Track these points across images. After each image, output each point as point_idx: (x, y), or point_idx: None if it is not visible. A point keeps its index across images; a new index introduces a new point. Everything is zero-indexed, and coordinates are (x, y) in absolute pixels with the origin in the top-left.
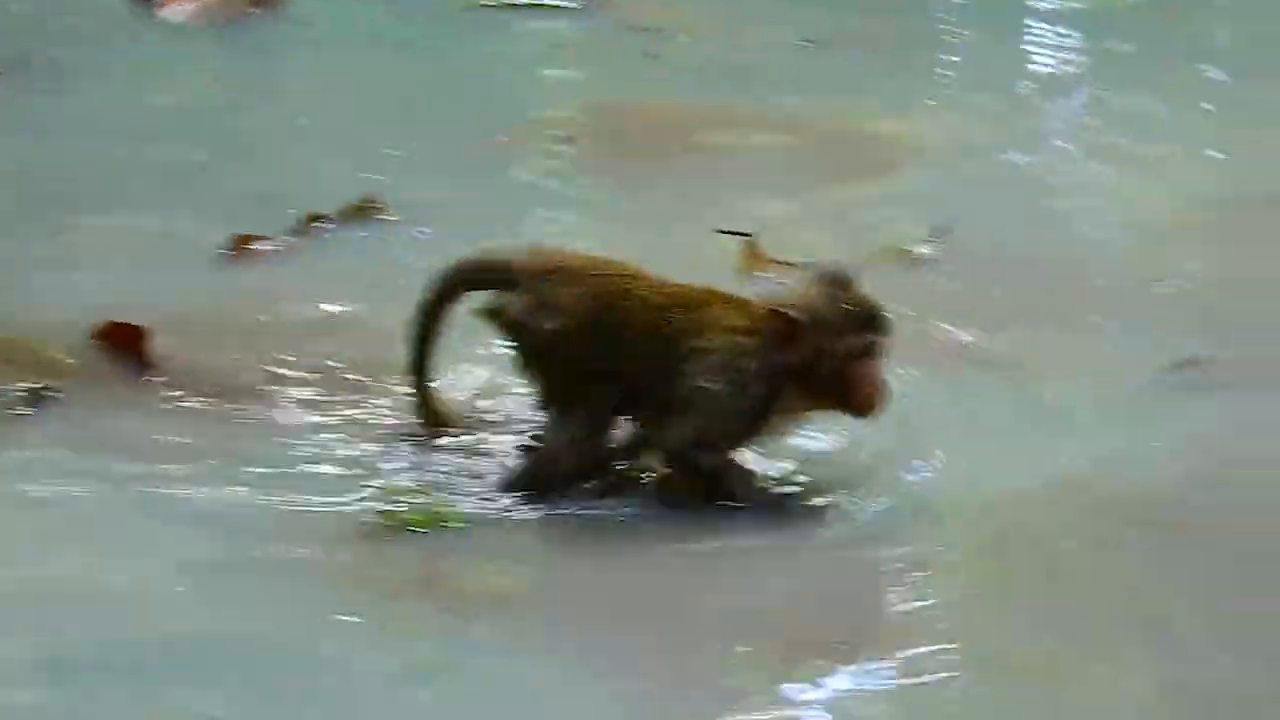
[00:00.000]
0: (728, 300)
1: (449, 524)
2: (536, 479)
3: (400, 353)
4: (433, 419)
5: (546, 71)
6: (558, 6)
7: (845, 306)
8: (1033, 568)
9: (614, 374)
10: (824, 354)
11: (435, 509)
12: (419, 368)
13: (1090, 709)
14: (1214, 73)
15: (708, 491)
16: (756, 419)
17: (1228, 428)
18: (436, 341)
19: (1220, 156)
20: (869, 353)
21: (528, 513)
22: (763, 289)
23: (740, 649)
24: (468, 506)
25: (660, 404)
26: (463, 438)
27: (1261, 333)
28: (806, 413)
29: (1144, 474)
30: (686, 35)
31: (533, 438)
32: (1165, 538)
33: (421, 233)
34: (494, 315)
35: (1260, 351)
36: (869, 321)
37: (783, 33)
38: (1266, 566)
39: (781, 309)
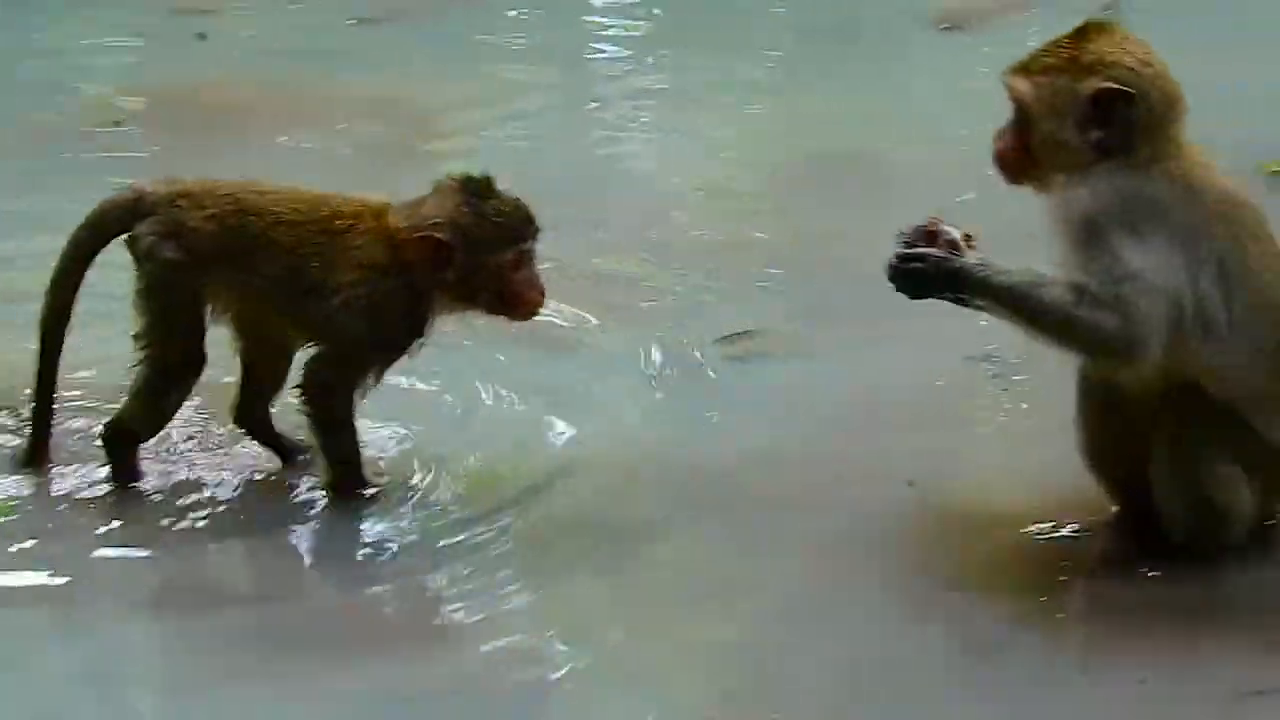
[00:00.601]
0: (370, 224)
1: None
2: (126, 438)
3: None
4: (35, 453)
5: (95, 55)
6: None
7: (494, 219)
8: (591, 540)
9: (238, 299)
10: (480, 270)
11: None
12: (50, 348)
13: (661, 673)
14: (775, 39)
15: (321, 446)
16: (400, 349)
17: (774, 399)
18: (71, 309)
19: (778, 121)
20: (524, 261)
21: (85, 493)
22: (404, 214)
23: (290, 631)
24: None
25: (298, 333)
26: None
27: (807, 303)
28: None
29: (694, 447)
30: (235, 16)
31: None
32: (718, 509)
33: None
34: (129, 244)
35: (803, 322)
36: (520, 229)
37: (331, 12)
38: (806, 535)
39: (428, 234)
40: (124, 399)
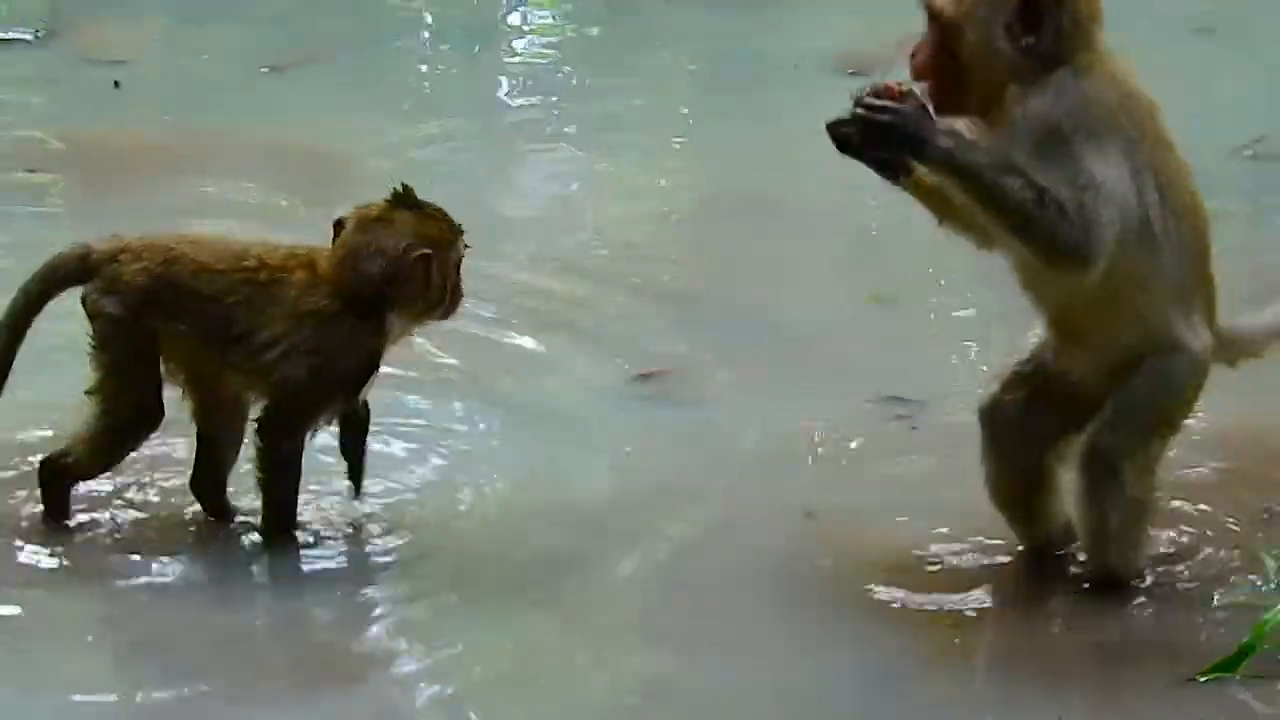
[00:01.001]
0: (303, 274)
1: None
2: (65, 477)
3: None
4: None
5: (7, 103)
6: (11, 39)
7: (441, 220)
8: (511, 574)
9: (181, 351)
10: (447, 272)
11: None
12: None
13: (580, 705)
14: (687, 82)
15: (264, 485)
16: (356, 389)
17: (681, 442)
18: (17, 348)
19: (691, 161)
20: (462, 256)
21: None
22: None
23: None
24: None
25: (241, 383)
26: None
27: (714, 343)
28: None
29: (610, 482)
30: (149, 65)
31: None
32: (632, 543)
33: None
34: (83, 303)
35: (712, 361)
36: (457, 223)
37: (243, 60)
38: (714, 569)
39: (420, 254)
40: (70, 441)
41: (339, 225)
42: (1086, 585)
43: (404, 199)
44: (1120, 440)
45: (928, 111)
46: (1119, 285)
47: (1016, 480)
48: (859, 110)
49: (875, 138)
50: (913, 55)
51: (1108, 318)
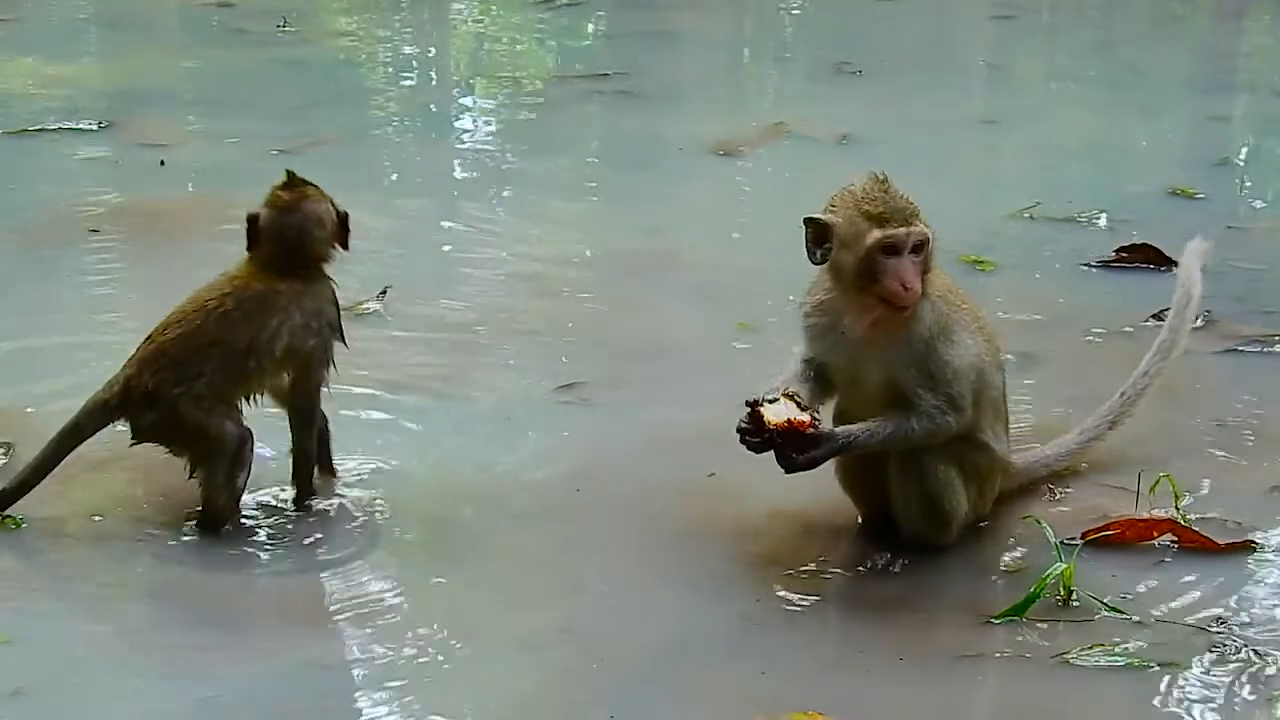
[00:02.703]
0: (255, 282)
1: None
2: None
3: None
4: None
5: (76, 179)
6: (79, 129)
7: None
8: (459, 536)
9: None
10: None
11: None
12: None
13: (512, 644)
14: (593, 166)
15: (303, 448)
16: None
17: (595, 435)
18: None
19: (596, 228)
20: None
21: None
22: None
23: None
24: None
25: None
26: None
27: (620, 360)
28: None
29: (535, 470)
30: (187, 147)
31: None
32: (560, 511)
33: None
34: (136, 433)
35: (618, 375)
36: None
37: (259, 145)
38: (620, 538)
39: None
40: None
41: (254, 218)
42: (910, 547)
43: (293, 179)
44: (925, 457)
45: (812, 435)
46: None
47: (857, 468)
48: (793, 465)
49: (814, 465)
50: (907, 288)
51: None
